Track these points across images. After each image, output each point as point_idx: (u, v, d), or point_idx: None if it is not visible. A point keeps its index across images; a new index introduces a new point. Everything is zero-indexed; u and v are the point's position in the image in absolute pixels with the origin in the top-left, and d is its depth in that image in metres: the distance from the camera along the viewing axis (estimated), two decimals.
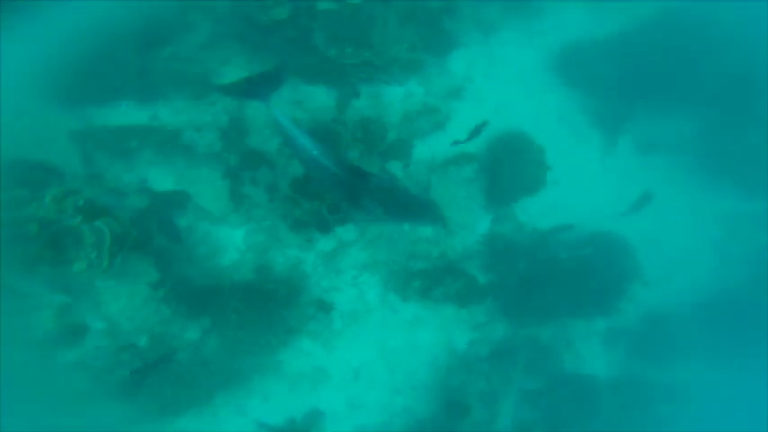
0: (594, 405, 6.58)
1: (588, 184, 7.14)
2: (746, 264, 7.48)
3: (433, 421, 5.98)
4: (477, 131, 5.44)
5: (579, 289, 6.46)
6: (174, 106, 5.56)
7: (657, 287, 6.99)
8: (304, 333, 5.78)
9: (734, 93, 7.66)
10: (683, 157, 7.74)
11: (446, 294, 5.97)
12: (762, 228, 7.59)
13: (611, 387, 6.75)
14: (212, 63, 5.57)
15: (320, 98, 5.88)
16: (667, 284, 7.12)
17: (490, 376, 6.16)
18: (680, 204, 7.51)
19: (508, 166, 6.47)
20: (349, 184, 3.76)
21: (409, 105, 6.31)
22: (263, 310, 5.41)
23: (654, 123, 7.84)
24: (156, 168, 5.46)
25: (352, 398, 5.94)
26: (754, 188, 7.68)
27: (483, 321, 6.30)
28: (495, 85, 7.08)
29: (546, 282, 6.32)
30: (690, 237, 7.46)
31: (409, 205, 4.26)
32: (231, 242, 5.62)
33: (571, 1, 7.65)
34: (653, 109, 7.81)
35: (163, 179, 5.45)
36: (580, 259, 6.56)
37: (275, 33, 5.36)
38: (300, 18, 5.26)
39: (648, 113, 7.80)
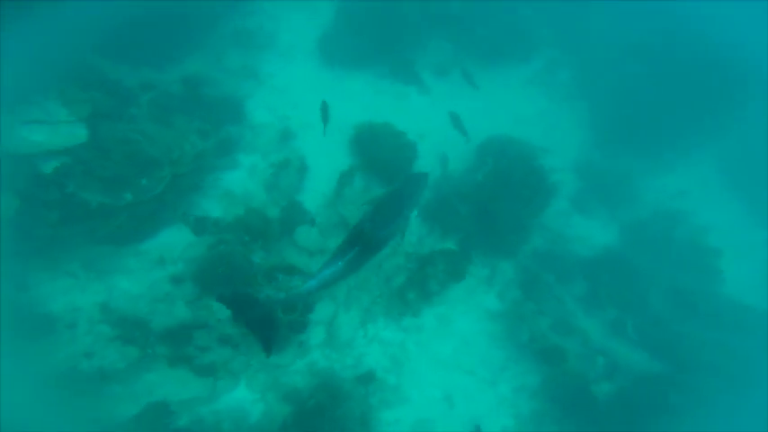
0: None
1: None
2: None
3: (546, 378, 5.76)
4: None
5: None
6: None
7: None
8: (377, 411, 5.31)
9: None
10: None
11: (440, 280, 5.82)
12: None
13: None
14: None
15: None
16: None
17: (541, 306, 6.07)
18: None
19: None
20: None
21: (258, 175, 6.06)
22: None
23: None
24: None
25: (470, 417, 5.57)
26: None
27: (488, 273, 6.26)
28: None
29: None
30: None
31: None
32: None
33: None
34: None
35: None
36: None
37: None
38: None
39: None
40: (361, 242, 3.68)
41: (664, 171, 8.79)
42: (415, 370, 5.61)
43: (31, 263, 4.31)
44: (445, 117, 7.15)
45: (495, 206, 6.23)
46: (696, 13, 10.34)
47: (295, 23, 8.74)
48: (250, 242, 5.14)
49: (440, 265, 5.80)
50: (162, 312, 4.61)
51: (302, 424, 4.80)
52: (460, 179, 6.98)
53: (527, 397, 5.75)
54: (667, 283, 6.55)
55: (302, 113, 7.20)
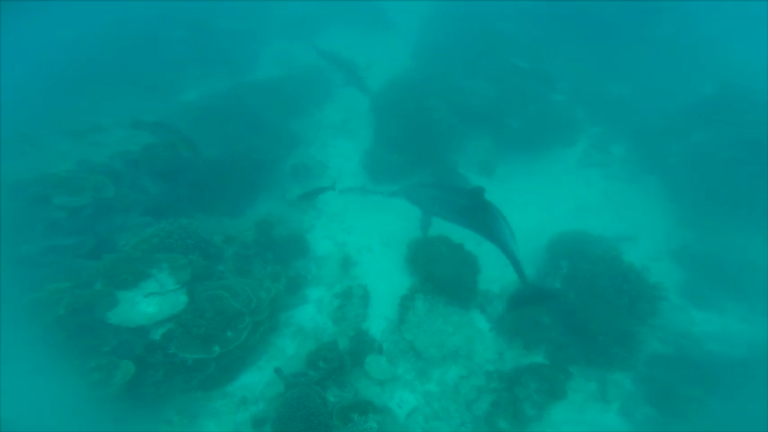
0: None
1: None
2: None
3: None
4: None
5: None
6: None
7: None
8: None
9: None
10: None
11: (536, 402, 5.18)
12: None
13: None
14: None
15: None
16: None
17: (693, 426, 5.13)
18: None
19: None
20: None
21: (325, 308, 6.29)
22: None
23: None
24: None
25: None
26: None
27: (596, 386, 5.67)
28: None
29: None
30: None
31: None
32: None
33: None
34: None
35: None
36: None
37: None
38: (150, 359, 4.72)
39: None
40: None
41: None
42: None
43: (136, 416, 4.53)
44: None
45: (584, 316, 5.71)
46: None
47: (342, 150, 9.88)
48: (324, 378, 5.13)
49: (531, 383, 5.22)
50: None
51: None
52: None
53: None
54: None
55: (357, 238, 7.70)
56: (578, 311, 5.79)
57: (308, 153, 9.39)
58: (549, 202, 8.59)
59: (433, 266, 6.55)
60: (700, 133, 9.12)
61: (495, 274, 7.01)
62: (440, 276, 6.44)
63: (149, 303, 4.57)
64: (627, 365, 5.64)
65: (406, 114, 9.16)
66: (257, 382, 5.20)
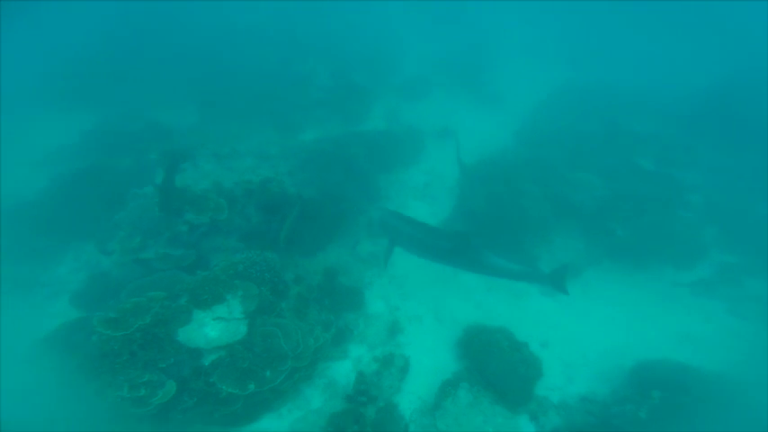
0: None
1: None
2: None
3: None
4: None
5: None
6: None
7: None
8: None
9: None
10: None
11: None
12: None
13: None
14: None
15: None
16: None
17: None
18: None
19: None
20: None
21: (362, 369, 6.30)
22: None
23: None
24: None
25: None
26: None
27: None
28: None
29: None
30: None
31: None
32: None
33: None
34: None
35: None
36: None
37: None
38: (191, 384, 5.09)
39: None
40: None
41: None
42: None
43: None
44: (576, 324, 6.42)
45: None
46: None
47: (419, 213, 10.01)
48: None
49: None
50: None
51: None
52: (608, 409, 5.75)
53: None
54: None
55: (411, 306, 7.63)
56: None
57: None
58: (644, 323, 7.38)
59: (486, 357, 6.12)
60: None
61: (558, 381, 6.28)
62: (492, 370, 5.97)
63: (214, 327, 5.21)
64: None
65: (494, 194, 8.94)
66: (273, 430, 5.34)
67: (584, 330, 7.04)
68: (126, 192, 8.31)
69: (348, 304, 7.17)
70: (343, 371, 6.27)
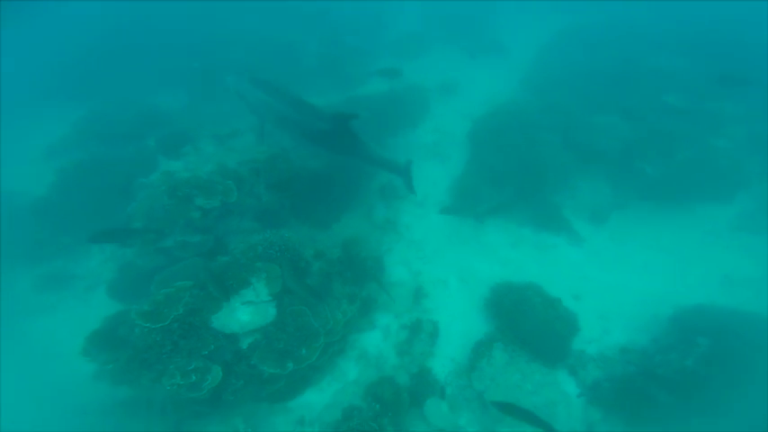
0: None
1: None
2: None
3: None
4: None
5: None
6: None
7: None
8: None
9: None
10: None
11: None
12: None
13: None
14: None
15: None
16: None
17: None
18: None
19: None
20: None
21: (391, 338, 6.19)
22: None
23: None
24: None
25: None
26: None
27: None
28: None
29: None
30: None
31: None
32: None
33: None
34: None
35: None
36: None
37: None
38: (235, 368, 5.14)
39: None
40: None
41: None
42: None
43: (210, 420, 5.08)
44: (608, 273, 5.95)
45: (727, 406, 4.58)
46: None
47: (431, 173, 9.55)
48: (380, 414, 5.07)
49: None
50: None
51: None
52: (650, 358, 5.47)
53: None
54: None
55: (434, 269, 7.40)
56: (719, 401, 4.60)
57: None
58: (683, 266, 6.88)
59: (519, 316, 5.94)
60: None
61: (594, 333, 6.10)
62: (526, 329, 5.81)
63: (244, 311, 5.06)
64: None
65: (510, 145, 8.36)
66: (317, 403, 5.40)
67: (618, 279, 6.72)
68: (132, 182, 7.97)
69: (370, 274, 6.96)
70: (373, 341, 6.21)
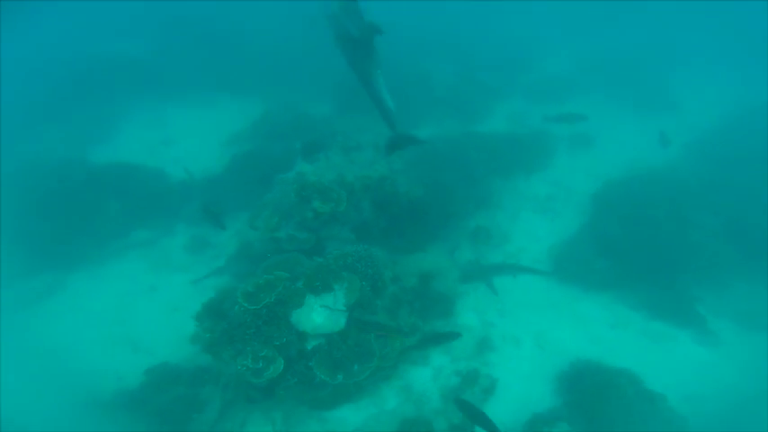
0: None
1: None
2: None
3: None
4: None
5: None
6: None
7: None
8: None
9: None
10: None
11: None
12: None
13: None
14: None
15: None
16: None
17: None
18: None
19: None
20: None
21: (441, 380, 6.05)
22: None
23: None
24: None
25: None
26: None
27: None
28: None
29: None
30: None
31: None
32: None
33: None
34: None
35: None
36: None
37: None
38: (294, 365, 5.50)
39: None
40: None
41: None
42: None
43: (255, 406, 5.58)
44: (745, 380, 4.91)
45: None
46: None
47: (533, 228, 8.86)
48: None
49: None
50: None
51: None
52: None
53: None
54: None
55: (509, 324, 6.89)
56: None
57: (495, 219, 8.90)
58: None
59: (600, 402, 5.14)
60: None
61: None
62: (605, 418, 5.05)
63: (320, 314, 5.67)
64: None
65: (648, 220, 7.11)
66: (351, 420, 5.57)
67: (755, 388, 5.11)
68: (275, 175, 9.66)
69: (438, 312, 6.93)
70: (421, 378, 6.18)
